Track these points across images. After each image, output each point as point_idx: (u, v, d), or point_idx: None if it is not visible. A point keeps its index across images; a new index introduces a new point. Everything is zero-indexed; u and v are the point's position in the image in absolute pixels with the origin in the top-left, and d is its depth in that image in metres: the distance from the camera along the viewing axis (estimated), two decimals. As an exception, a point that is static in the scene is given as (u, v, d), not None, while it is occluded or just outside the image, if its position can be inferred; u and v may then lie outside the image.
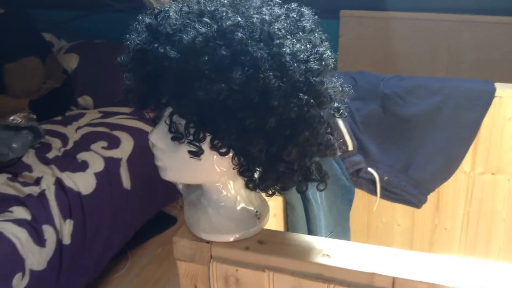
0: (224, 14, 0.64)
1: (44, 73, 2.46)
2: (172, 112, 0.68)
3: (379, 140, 1.49)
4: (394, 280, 0.69)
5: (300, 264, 0.73)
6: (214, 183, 0.76)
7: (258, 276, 0.75)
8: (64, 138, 2.11)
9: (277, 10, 0.69)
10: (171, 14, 0.66)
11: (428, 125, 1.45)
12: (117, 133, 2.15)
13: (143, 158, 2.10)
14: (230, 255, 0.77)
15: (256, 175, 0.70)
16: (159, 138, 0.71)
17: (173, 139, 0.68)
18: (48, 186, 1.75)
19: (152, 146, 0.73)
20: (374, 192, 1.48)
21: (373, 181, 1.46)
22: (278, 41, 0.65)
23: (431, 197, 1.54)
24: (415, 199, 1.49)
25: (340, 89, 0.75)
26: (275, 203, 1.08)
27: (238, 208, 0.77)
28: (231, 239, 0.77)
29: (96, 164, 1.93)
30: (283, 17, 0.69)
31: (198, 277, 0.80)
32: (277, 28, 0.66)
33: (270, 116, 0.64)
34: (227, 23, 0.63)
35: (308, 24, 0.72)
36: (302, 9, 0.74)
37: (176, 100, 0.65)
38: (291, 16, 0.71)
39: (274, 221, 1.09)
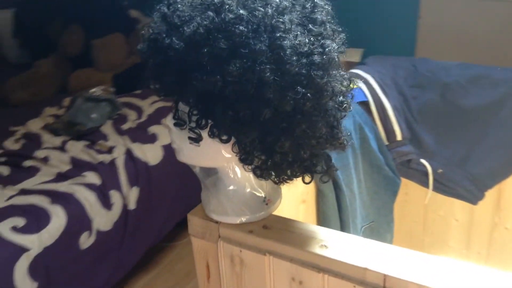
0: (228, 7, 0.66)
1: (128, 49, 2.62)
2: (176, 99, 0.72)
3: (436, 131, 1.43)
4: (385, 277, 0.68)
5: (299, 252, 0.75)
6: (225, 168, 0.79)
7: (259, 259, 0.78)
8: (139, 111, 2.26)
9: (285, 2, 0.70)
10: (181, 5, 0.70)
11: (490, 118, 1.36)
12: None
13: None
14: (235, 237, 0.80)
15: (256, 163, 0.73)
16: (172, 122, 0.75)
17: (175, 125, 0.72)
18: (118, 155, 1.89)
19: (168, 129, 0.78)
20: (426, 184, 1.42)
21: (425, 173, 1.40)
22: (279, 34, 0.65)
23: (492, 194, 1.46)
24: (471, 195, 1.42)
25: (347, 83, 0.74)
26: (305, 189, 1.10)
27: (246, 192, 0.80)
28: (238, 221, 0.80)
29: (165, 137, 2.05)
30: (289, 9, 0.69)
31: (208, 254, 0.85)
32: (280, 21, 0.66)
33: (265, 108, 0.65)
34: (230, 16, 0.65)
35: (319, 16, 0.71)
36: (316, 1, 0.73)
37: (178, 89, 0.69)
38: (302, 7, 0.71)
39: (303, 207, 1.10)
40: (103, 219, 1.75)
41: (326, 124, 0.71)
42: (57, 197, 1.67)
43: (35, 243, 1.53)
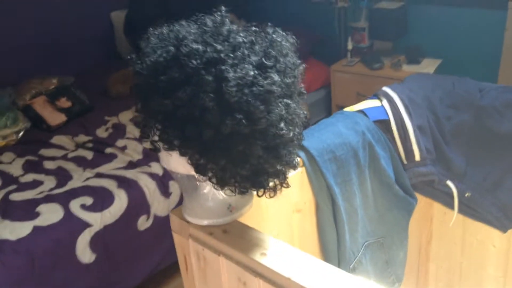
0: (186, 42, 0.78)
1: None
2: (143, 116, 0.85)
3: (467, 154, 1.40)
4: (302, 289, 0.76)
5: (243, 257, 0.85)
6: (195, 175, 0.91)
7: (215, 259, 0.90)
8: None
9: (240, 39, 0.80)
10: (153, 38, 0.83)
11: (526, 145, 1.31)
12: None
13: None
14: (200, 236, 0.92)
15: (208, 175, 0.84)
16: None
17: (140, 137, 0.86)
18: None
19: None
20: (451, 206, 1.41)
21: (451, 195, 1.39)
22: (224, 67, 0.76)
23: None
24: (499, 223, 1.37)
25: (298, 112, 0.82)
26: (301, 199, 1.17)
27: (213, 200, 0.91)
28: (204, 223, 0.92)
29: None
30: (243, 45, 0.79)
31: (184, 249, 0.98)
32: (230, 56, 0.77)
33: (206, 129, 0.76)
34: (185, 50, 0.77)
35: (273, 51, 0.81)
36: (274, 37, 0.83)
37: (142, 108, 0.83)
38: (256, 44, 0.81)
39: (298, 216, 1.18)
40: (160, 205, 1.96)
41: (267, 147, 0.79)
42: (123, 182, 1.92)
43: (97, 220, 1.78)
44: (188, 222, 0.94)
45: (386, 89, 1.40)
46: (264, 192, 0.87)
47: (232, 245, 0.87)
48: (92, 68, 3.18)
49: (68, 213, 1.75)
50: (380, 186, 1.28)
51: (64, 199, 1.81)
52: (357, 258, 1.27)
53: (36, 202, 1.78)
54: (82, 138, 2.32)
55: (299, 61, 0.87)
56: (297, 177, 1.14)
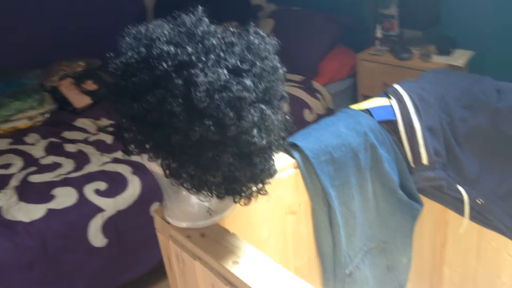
0: (158, 43, 0.76)
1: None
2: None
3: (481, 159, 1.33)
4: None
5: (216, 264, 0.83)
6: (174, 178, 0.90)
7: (192, 263, 0.89)
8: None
9: (214, 41, 0.77)
10: (128, 37, 0.81)
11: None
12: (277, 99, 2.35)
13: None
14: (178, 238, 0.92)
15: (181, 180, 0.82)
16: None
17: (114, 139, 0.85)
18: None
19: None
20: (461, 212, 1.34)
21: (462, 201, 1.32)
22: (194, 71, 0.73)
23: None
24: (510, 233, 1.30)
25: (275, 118, 0.79)
26: (296, 201, 1.14)
27: (191, 202, 0.89)
28: (183, 225, 0.91)
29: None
30: (218, 48, 0.76)
31: (166, 249, 0.98)
32: (201, 59, 0.74)
33: (174, 135, 0.74)
34: (156, 52, 0.75)
35: (250, 55, 0.78)
36: (251, 39, 0.79)
37: (114, 109, 0.81)
38: (231, 46, 0.78)
39: (292, 218, 1.15)
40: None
41: (239, 154, 0.77)
42: (137, 168, 1.94)
43: (110, 206, 1.81)
44: (168, 223, 0.94)
45: (396, 86, 1.33)
46: (240, 199, 0.84)
47: (207, 251, 0.85)
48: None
49: (82, 198, 1.78)
50: (383, 189, 1.23)
51: (79, 183, 1.84)
52: (355, 263, 1.23)
53: (52, 185, 1.83)
54: (104, 121, 2.36)
55: (278, 65, 0.83)
56: (291, 178, 1.12)
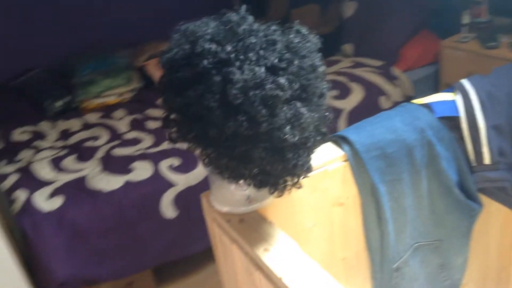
0: (201, 41, 0.81)
1: (320, 19, 2.77)
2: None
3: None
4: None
5: (249, 249, 0.88)
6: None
7: (230, 245, 0.95)
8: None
9: (255, 40, 0.80)
10: (177, 34, 0.86)
11: None
12: (352, 84, 2.33)
13: (365, 112, 2.23)
14: (220, 222, 0.98)
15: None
16: None
17: (162, 127, 0.91)
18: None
19: None
20: (529, 217, 1.27)
21: (530, 205, 1.25)
22: (231, 69, 0.77)
23: None
24: None
25: (311, 115, 0.81)
26: (344, 194, 1.15)
27: (232, 189, 0.94)
28: (224, 210, 0.97)
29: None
30: (258, 46, 0.79)
31: (212, 231, 1.04)
32: (239, 58, 0.78)
33: (211, 129, 0.79)
34: (199, 50, 0.80)
35: (288, 55, 0.80)
36: (291, 37, 0.82)
37: (162, 101, 0.88)
38: (272, 44, 0.80)
39: (340, 210, 1.16)
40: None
41: (272, 149, 0.80)
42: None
43: (182, 181, 1.93)
44: (212, 206, 1.00)
45: (464, 82, 1.28)
46: (274, 191, 0.88)
47: (243, 236, 0.91)
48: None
49: (156, 172, 1.92)
50: (439, 188, 1.20)
51: (155, 158, 1.98)
52: (403, 259, 1.22)
53: (132, 159, 1.98)
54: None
55: (318, 63, 0.84)
56: (339, 171, 1.13)
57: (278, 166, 0.82)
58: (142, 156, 2.00)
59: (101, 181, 1.86)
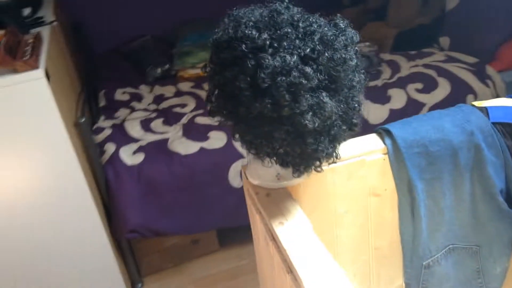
0: (243, 27, 0.89)
1: (419, 8, 2.69)
2: None
3: None
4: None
5: (268, 220, 0.97)
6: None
7: (255, 215, 1.04)
8: (395, 71, 2.41)
9: (288, 29, 0.86)
10: (226, 19, 0.95)
11: None
12: (440, 79, 2.26)
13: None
14: (251, 193, 1.07)
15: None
16: None
17: (205, 100, 1.01)
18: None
19: None
20: None
21: None
22: (262, 54, 0.85)
23: None
24: None
25: (334, 105, 0.87)
26: (381, 185, 1.17)
27: (264, 165, 1.03)
28: (255, 183, 1.06)
29: (397, 101, 2.18)
30: (291, 35, 0.86)
31: (247, 200, 1.14)
32: (273, 45, 0.85)
33: (240, 107, 0.88)
34: (239, 35, 0.88)
35: (318, 46, 0.86)
36: (325, 29, 0.87)
37: (207, 78, 0.98)
38: (312, 33, 0.87)
39: (376, 200, 1.19)
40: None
41: (293, 132, 0.87)
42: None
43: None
44: (247, 178, 1.10)
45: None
46: (296, 171, 0.95)
47: (265, 208, 1.00)
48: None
49: (229, 143, 2.05)
50: (483, 193, 1.19)
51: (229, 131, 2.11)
52: (435, 257, 1.23)
53: (209, 128, 2.14)
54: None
55: (349, 57, 0.88)
56: (378, 162, 1.17)
57: (297, 149, 0.90)
58: (219, 127, 2.14)
59: (180, 145, 2.04)
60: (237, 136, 0.95)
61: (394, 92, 2.23)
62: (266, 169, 1.03)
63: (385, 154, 1.16)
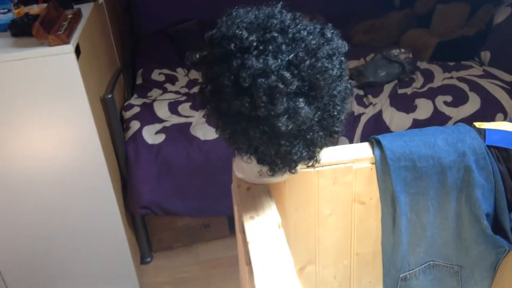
0: (234, 26, 0.93)
1: (466, 20, 2.61)
2: None
3: None
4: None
5: (242, 214, 1.03)
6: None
7: (235, 206, 1.10)
8: (429, 80, 2.37)
9: (275, 34, 0.90)
10: (226, 15, 0.99)
11: None
12: (471, 94, 2.21)
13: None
14: (234, 185, 1.13)
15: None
16: None
17: (199, 92, 1.06)
18: (368, 112, 2.17)
19: None
20: None
21: None
22: (247, 56, 0.89)
23: None
24: None
25: (310, 112, 0.90)
26: (367, 193, 1.19)
27: (246, 161, 1.07)
28: (239, 176, 1.12)
29: (422, 112, 2.15)
30: (281, 40, 0.90)
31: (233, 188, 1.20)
32: (256, 46, 0.89)
33: (223, 103, 0.93)
34: (230, 34, 0.93)
35: (301, 53, 0.89)
36: (310, 37, 0.90)
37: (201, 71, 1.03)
38: (301, 39, 0.90)
39: (360, 207, 1.21)
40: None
41: (268, 132, 0.92)
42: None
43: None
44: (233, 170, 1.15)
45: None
46: (270, 170, 1.00)
47: (242, 201, 1.05)
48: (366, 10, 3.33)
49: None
50: (469, 215, 1.19)
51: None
52: (414, 271, 1.25)
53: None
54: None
55: (335, 66, 0.91)
56: (365, 171, 1.19)
57: (272, 149, 0.94)
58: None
59: (200, 130, 2.11)
60: (218, 130, 1.01)
61: (421, 102, 2.20)
62: (249, 165, 1.08)
63: (373, 163, 1.18)
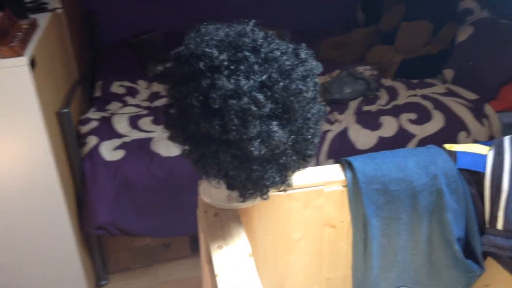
0: (203, 44, 0.88)
1: (429, 38, 2.65)
2: None
3: None
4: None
5: (209, 241, 0.96)
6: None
7: (200, 233, 1.03)
8: (392, 98, 2.37)
9: (247, 53, 0.85)
10: (193, 32, 0.93)
11: None
12: (435, 112, 2.22)
13: (438, 143, 2.12)
14: (200, 210, 1.06)
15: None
16: None
17: (163, 112, 1.00)
18: (334, 129, 2.14)
19: None
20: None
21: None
22: (218, 76, 0.84)
23: None
24: None
25: (284, 136, 0.85)
26: (339, 217, 1.15)
27: (215, 186, 1.01)
28: (206, 200, 1.05)
29: (387, 129, 2.15)
30: (253, 60, 0.85)
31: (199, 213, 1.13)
32: (227, 66, 0.84)
33: (190, 124, 0.87)
34: (199, 52, 0.87)
35: (275, 74, 0.84)
36: (283, 58, 0.86)
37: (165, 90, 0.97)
38: (274, 59, 0.85)
39: (331, 231, 1.17)
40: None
41: (240, 157, 0.86)
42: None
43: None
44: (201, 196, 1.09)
45: (506, 139, 1.20)
46: (240, 196, 0.94)
47: (209, 229, 0.98)
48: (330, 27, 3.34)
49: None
50: (440, 239, 1.16)
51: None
52: (385, 297, 1.21)
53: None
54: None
55: (309, 88, 0.87)
56: (336, 194, 1.15)
57: (243, 174, 0.88)
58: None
59: (162, 146, 2.02)
60: (185, 153, 0.94)
61: (386, 120, 2.20)
62: (217, 189, 1.02)
63: (344, 186, 1.14)
